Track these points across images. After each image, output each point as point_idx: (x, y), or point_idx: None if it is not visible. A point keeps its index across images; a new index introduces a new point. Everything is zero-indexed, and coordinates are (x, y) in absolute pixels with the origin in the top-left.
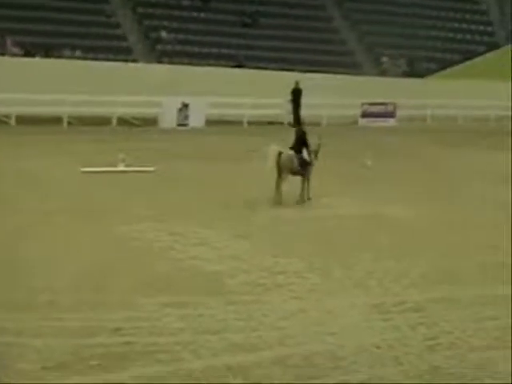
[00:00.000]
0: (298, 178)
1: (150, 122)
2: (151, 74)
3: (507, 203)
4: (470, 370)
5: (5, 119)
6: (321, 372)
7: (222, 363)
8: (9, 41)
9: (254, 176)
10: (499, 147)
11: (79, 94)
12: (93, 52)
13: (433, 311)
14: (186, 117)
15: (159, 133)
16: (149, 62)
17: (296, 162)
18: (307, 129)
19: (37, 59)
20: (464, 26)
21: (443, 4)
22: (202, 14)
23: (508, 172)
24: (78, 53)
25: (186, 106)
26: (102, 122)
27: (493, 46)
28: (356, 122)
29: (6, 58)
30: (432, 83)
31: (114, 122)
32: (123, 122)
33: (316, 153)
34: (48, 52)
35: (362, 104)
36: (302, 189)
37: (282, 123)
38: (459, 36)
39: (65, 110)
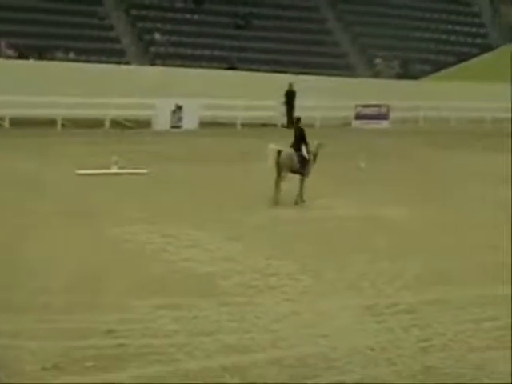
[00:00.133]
0: (295, 179)
1: (144, 124)
2: (144, 76)
3: (501, 204)
4: (468, 371)
5: None
6: (314, 372)
7: (216, 364)
8: (3, 43)
9: (248, 178)
10: (492, 149)
11: (73, 96)
12: (86, 54)
13: (426, 313)
14: (180, 119)
15: (152, 135)
16: (142, 64)
17: (296, 159)
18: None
19: (31, 61)
20: (457, 27)
21: (436, 6)
22: (196, 16)
23: (502, 173)
24: (71, 55)
25: (179, 108)
26: (95, 124)
27: (486, 48)
28: (349, 124)
29: (0, 60)
30: (426, 85)
31: (108, 124)
32: (116, 124)
33: (315, 155)
34: (41, 54)
35: (356, 106)
36: (301, 188)
37: (275, 125)
38: (452, 38)
39: (59, 113)
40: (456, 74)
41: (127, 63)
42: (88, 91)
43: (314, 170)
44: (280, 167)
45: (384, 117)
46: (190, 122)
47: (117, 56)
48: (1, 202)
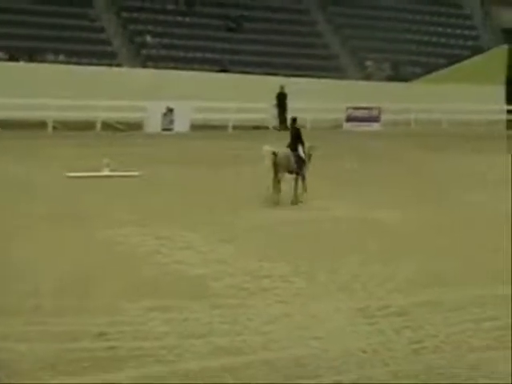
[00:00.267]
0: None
1: (135, 126)
2: (136, 78)
3: (494, 206)
4: (463, 371)
5: None
6: (306, 374)
7: (208, 366)
8: None
9: (239, 180)
10: (483, 151)
11: (64, 98)
12: (77, 56)
13: (417, 315)
14: (171, 121)
15: (144, 137)
16: (133, 66)
17: (292, 159)
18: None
19: (21, 63)
20: (448, 30)
21: (427, 8)
22: (187, 19)
23: (494, 175)
24: (62, 57)
25: (170, 110)
26: (86, 126)
27: (477, 50)
28: (340, 126)
29: None
30: (417, 87)
31: (99, 126)
32: (108, 126)
33: (309, 156)
34: (32, 56)
35: (347, 108)
36: (295, 189)
37: (267, 127)
38: (443, 40)
39: (49, 115)
40: (447, 77)
41: (118, 65)
42: (79, 93)
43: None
44: (277, 168)
45: (375, 119)
46: (181, 125)
47: (108, 58)
48: None
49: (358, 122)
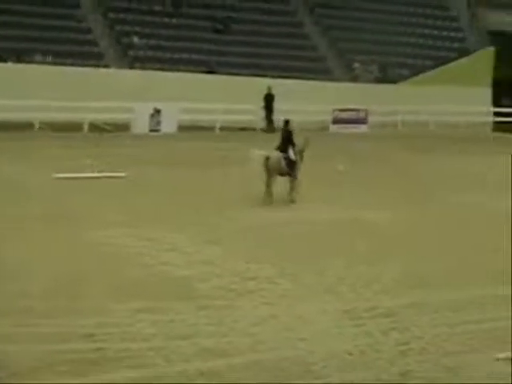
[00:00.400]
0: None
1: (122, 127)
2: (123, 79)
3: (481, 207)
4: (444, 374)
5: None
6: (292, 376)
7: (193, 368)
8: None
9: (227, 181)
10: (470, 152)
11: (51, 99)
12: (64, 57)
13: (404, 316)
14: (158, 122)
15: (131, 138)
16: (120, 67)
17: (283, 162)
18: (277, 134)
19: (9, 64)
20: (435, 32)
21: (414, 10)
22: (174, 20)
23: (480, 177)
24: (49, 58)
25: (158, 111)
26: (73, 127)
27: (464, 52)
28: (327, 128)
29: None
30: (404, 89)
31: (86, 127)
32: (95, 127)
33: (302, 151)
34: (20, 57)
35: (334, 110)
36: (291, 188)
37: (254, 129)
38: (430, 42)
39: (36, 116)
40: (434, 79)
41: (105, 66)
42: (66, 94)
43: None
44: (269, 172)
45: (362, 121)
46: (168, 126)
47: (95, 59)
48: None
49: (345, 124)
